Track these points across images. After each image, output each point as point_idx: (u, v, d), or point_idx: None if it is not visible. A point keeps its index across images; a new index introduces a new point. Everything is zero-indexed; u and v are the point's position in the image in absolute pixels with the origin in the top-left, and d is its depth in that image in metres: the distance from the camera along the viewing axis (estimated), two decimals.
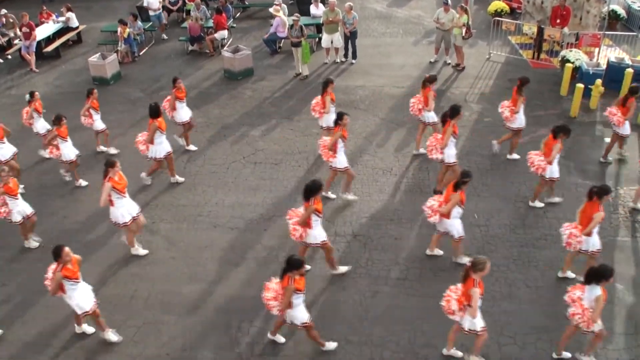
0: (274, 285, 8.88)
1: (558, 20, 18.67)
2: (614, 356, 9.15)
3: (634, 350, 9.25)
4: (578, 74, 17.08)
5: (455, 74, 18.82)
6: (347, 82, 18.63)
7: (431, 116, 14.04)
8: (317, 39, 21.08)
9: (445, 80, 18.41)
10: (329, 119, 13.68)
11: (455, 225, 10.55)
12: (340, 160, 12.36)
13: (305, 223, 10.11)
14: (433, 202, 10.69)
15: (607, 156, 13.90)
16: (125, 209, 11.11)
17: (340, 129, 12.05)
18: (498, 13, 21.56)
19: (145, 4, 22.69)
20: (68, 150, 13.55)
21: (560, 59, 18.11)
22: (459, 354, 9.19)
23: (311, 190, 9.98)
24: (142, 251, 11.71)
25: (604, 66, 17.14)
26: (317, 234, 10.29)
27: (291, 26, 19.03)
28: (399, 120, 16.12)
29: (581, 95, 15.69)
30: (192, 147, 15.20)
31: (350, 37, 19.63)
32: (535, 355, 9.18)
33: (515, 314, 9.95)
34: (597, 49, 18.34)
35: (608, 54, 18.37)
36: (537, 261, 11.03)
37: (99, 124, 14.87)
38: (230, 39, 22.34)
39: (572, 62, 17.19)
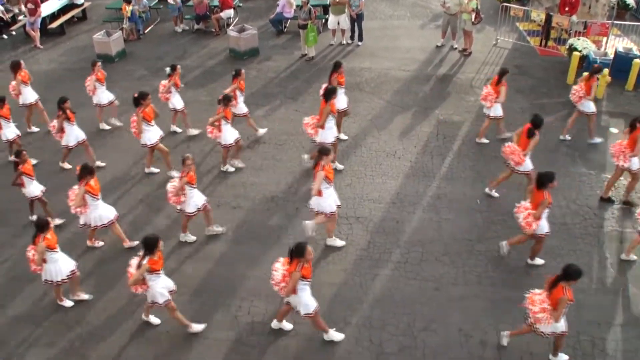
0: (538, 296, 8.53)
1: (567, 8, 18.53)
2: (613, 347, 9.17)
3: (632, 341, 9.26)
4: (585, 62, 16.97)
5: (462, 58, 18.73)
6: (353, 63, 18.55)
7: (590, 106, 13.70)
8: (323, 20, 20.96)
9: (452, 65, 18.33)
10: (499, 108, 13.64)
11: None
12: (527, 164, 11.70)
13: (539, 216, 9.93)
14: None
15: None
16: (332, 199, 10.76)
17: (539, 133, 11.52)
18: None
19: None
20: (229, 134, 13.00)
21: (567, 47, 17.99)
22: None
23: (546, 180, 9.76)
24: (339, 242, 11.30)
25: (611, 56, 17.04)
26: (544, 224, 10.12)
27: (300, 7, 18.92)
28: (404, 104, 16.07)
29: None
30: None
31: (357, 19, 19.52)
32: (534, 342, 9.18)
33: (515, 301, 9.90)
34: (605, 38, 18.19)
35: (616, 43, 18.23)
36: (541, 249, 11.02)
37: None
38: (236, 18, 22.22)
39: (580, 51, 17.08)
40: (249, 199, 12.60)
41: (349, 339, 9.37)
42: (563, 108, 15.53)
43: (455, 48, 19.30)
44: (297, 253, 8.55)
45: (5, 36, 21.80)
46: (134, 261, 9.00)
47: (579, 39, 17.70)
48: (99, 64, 14.86)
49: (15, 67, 14.60)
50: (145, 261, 8.78)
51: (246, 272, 10.73)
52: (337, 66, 13.71)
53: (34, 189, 11.59)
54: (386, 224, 11.76)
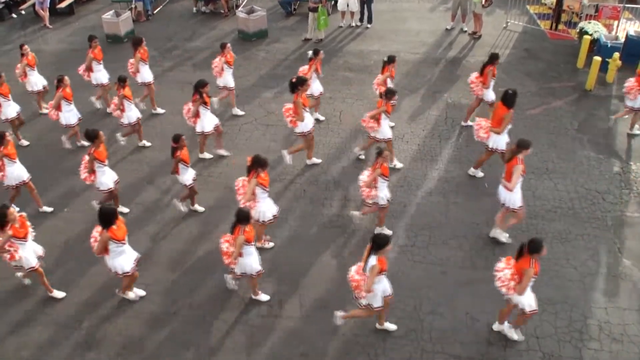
0: None
1: None
2: (619, 331, 9.19)
3: (639, 325, 9.29)
4: (596, 46, 16.87)
5: (471, 41, 18.64)
6: (362, 46, 18.50)
7: None
8: (332, 2, 20.85)
9: (462, 48, 18.25)
10: None
11: None
12: None
13: None
14: None
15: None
16: (520, 193, 10.35)
17: None
18: None
19: None
20: (387, 129, 12.29)
21: (578, 30, 17.88)
22: None
23: None
24: (504, 237, 10.85)
25: (622, 39, 16.91)
26: None
27: None
28: (412, 87, 16.02)
29: (598, 68, 15.50)
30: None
31: (366, 2, 19.45)
32: (540, 327, 9.23)
33: None
34: (616, 22, 18.06)
35: (627, 27, 18.10)
36: (546, 233, 11.01)
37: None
38: (245, 0, 22.14)
39: (590, 34, 16.97)
40: None
41: (355, 322, 9.42)
42: (573, 92, 15.45)
43: (465, 31, 19.20)
44: (533, 249, 8.20)
45: (14, 15, 21.81)
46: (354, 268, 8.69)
47: (589, 23, 17.60)
48: (229, 45, 14.36)
49: (137, 44, 14.28)
50: (374, 261, 8.22)
51: None
52: (493, 58, 13.02)
53: (188, 176, 11.18)
54: (393, 207, 11.75)
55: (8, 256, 9.22)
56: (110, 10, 19.76)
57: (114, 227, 8.89)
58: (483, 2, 18.10)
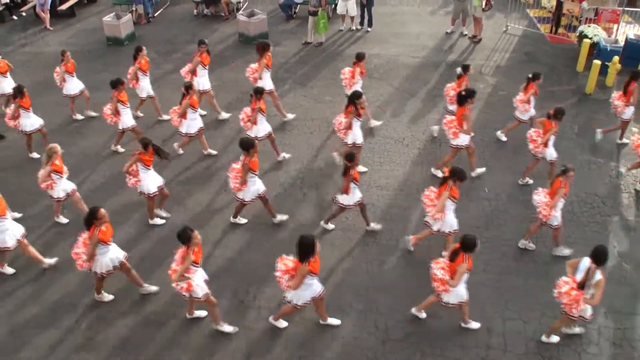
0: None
1: None
2: (619, 335, 9.20)
3: (639, 330, 9.29)
4: (595, 50, 16.89)
5: (471, 45, 18.65)
6: (362, 50, 18.38)
7: None
8: (333, 6, 20.85)
9: (462, 52, 18.26)
10: None
11: None
12: None
13: None
14: None
15: None
16: None
17: None
18: None
19: None
20: (552, 150, 11.94)
21: (578, 34, 17.90)
22: None
23: None
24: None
25: (622, 43, 16.93)
26: None
27: None
28: (413, 90, 16.04)
29: (598, 72, 15.52)
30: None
31: (367, 5, 19.47)
32: (539, 331, 9.23)
33: (521, 289, 9.99)
34: (615, 25, 18.08)
35: (627, 30, 18.12)
36: (546, 237, 10.98)
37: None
38: (246, 3, 22.18)
39: (590, 38, 16.99)
40: None
41: (355, 325, 9.43)
42: (573, 96, 15.47)
43: (465, 34, 19.22)
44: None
45: (15, 17, 21.81)
46: None
47: (589, 26, 17.60)
48: (364, 59, 13.79)
49: (264, 49, 13.90)
50: (600, 275, 8.16)
51: (253, 258, 10.78)
52: (637, 75, 12.74)
53: (356, 196, 10.72)
54: (393, 211, 11.78)
55: (185, 285, 8.56)
56: (111, 13, 19.77)
57: (312, 259, 8.31)
58: (483, 6, 18.13)
